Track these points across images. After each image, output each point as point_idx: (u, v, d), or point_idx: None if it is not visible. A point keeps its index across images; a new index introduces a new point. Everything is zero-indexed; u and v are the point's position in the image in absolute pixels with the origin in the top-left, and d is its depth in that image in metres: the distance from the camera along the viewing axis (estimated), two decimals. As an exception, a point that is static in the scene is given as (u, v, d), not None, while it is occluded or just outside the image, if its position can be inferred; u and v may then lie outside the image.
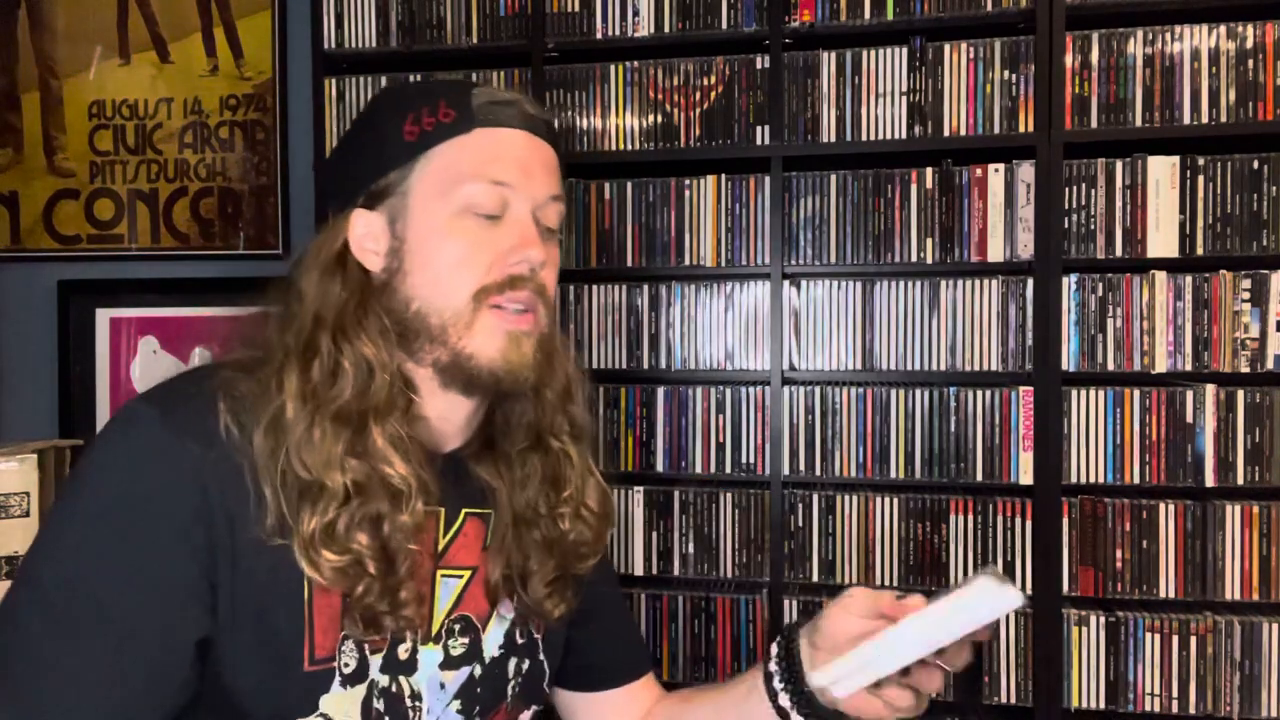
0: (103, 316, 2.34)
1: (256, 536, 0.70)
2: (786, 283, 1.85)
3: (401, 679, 0.78)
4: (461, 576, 0.82)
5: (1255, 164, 1.71)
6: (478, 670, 0.83)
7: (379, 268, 0.79)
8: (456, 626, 0.82)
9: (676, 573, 1.89)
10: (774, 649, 0.81)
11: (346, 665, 0.74)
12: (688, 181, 1.89)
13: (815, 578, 1.84)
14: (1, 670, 0.65)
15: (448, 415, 0.81)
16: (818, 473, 1.84)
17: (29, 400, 2.36)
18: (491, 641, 0.85)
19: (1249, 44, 1.71)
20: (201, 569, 0.69)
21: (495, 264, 0.76)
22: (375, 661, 0.76)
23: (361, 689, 0.75)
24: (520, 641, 0.87)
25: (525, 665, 0.88)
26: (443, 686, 0.81)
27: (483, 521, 0.85)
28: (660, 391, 1.90)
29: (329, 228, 0.81)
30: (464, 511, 0.84)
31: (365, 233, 0.79)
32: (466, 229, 0.76)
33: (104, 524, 0.67)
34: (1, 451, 1.51)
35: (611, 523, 0.91)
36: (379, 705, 0.76)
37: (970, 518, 1.78)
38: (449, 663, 0.81)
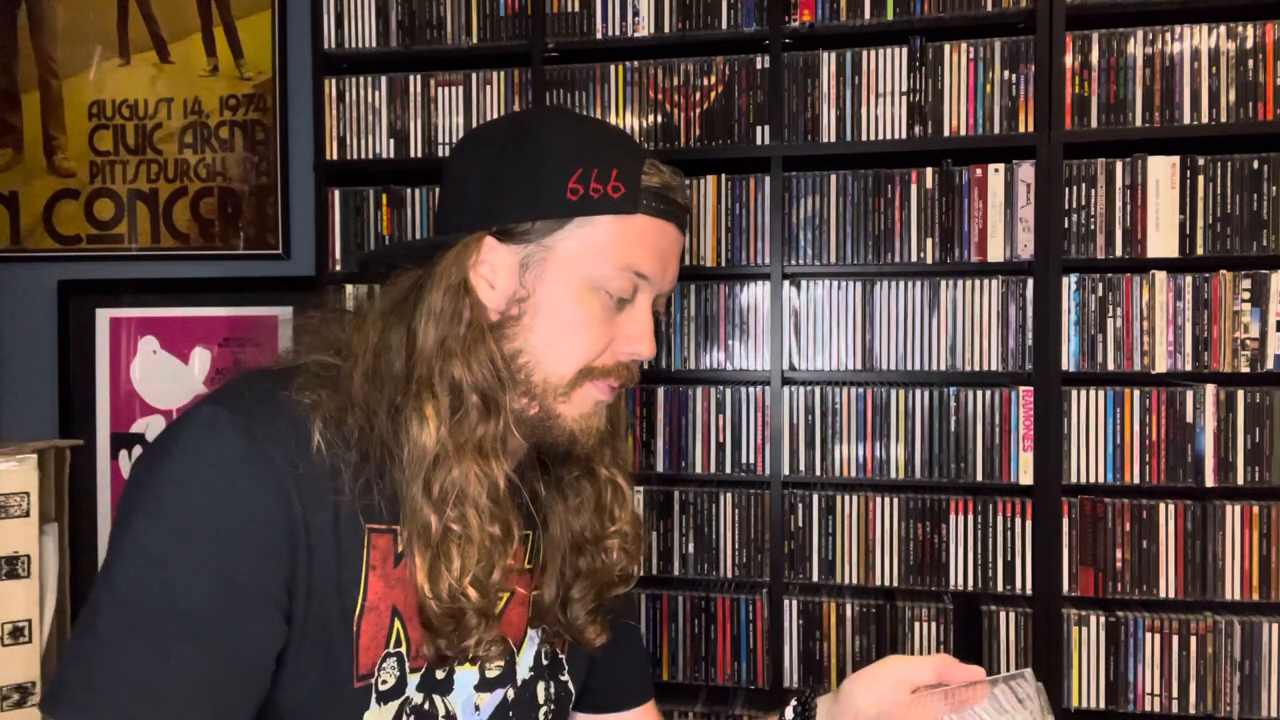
0: (103, 316, 2.34)
1: (328, 560, 0.69)
2: (786, 283, 1.85)
3: (436, 698, 0.77)
4: (502, 598, 0.82)
5: (1255, 164, 1.71)
6: (510, 693, 0.83)
7: (496, 306, 0.76)
8: (494, 648, 0.80)
9: (676, 573, 1.89)
10: (789, 713, 0.81)
11: (384, 682, 0.74)
12: (688, 181, 1.89)
13: (815, 578, 1.84)
14: (88, 684, 0.63)
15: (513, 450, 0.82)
16: (818, 473, 1.84)
17: (29, 400, 2.36)
18: (524, 664, 0.85)
19: (1249, 44, 1.71)
20: (284, 582, 0.68)
21: (610, 349, 0.78)
22: (413, 680, 0.76)
23: (394, 706, 0.75)
24: (545, 663, 0.87)
25: (553, 689, 0.88)
26: (477, 709, 0.80)
27: (524, 543, 0.85)
28: (660, 391, 1.90)
29: (459, 247, 0.77)
30: (521, 530, 0.84)
31: (490, 263, 0.76)
32: (593, 307, 0.76)
33: (191, 535, 0.65)
34: (1, 451, 1.51)
35: (643, 550, 0.93)
36: None
37: (970, 518, 1.79)
38: (484, 684, 0.81)
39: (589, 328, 0.76)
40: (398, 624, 0.74)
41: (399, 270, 0.79)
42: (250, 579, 0.66)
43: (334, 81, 2.00)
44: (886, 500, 1.81)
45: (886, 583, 1.81)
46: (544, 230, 0.75)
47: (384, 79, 1.98)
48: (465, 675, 0.79)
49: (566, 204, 0.75)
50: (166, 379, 2.32)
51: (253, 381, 0.73)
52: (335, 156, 2.00)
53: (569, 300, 0.76)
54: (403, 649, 0.75)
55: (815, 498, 1.84)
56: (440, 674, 0.78)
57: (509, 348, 0.76)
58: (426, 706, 0.77)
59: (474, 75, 1.96)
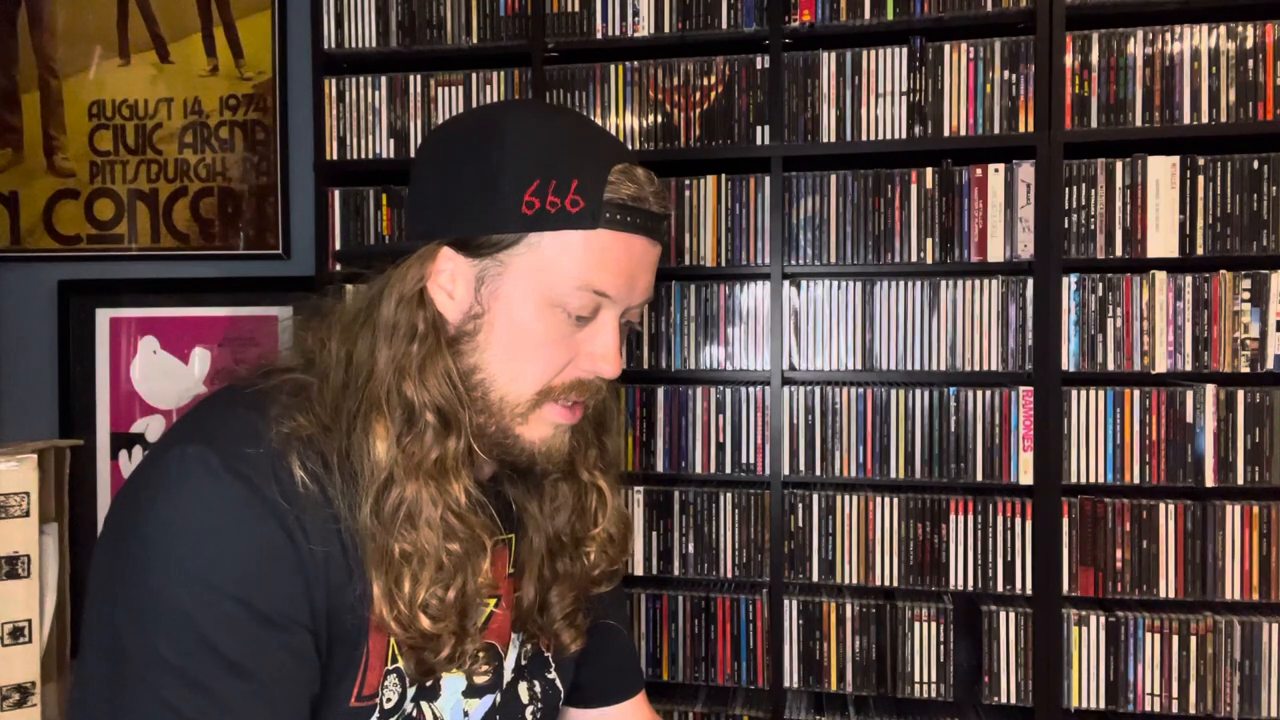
0: (103, 316, 2.34)
1: (338, 584, 0.69)
2: (786, 283, 1.85)
3: (424, 705, 0.77)
4: (488, 605, 0.82)
5: (1255, 164, 1.71)
6: (498, 698, 0.83)
7: (451, 317, 0.75)
8: (481, 654, 0.80)
9: (676, 573, 1.89)
10: None
11: (389, 700, 0.74)
12: (688, 181, 1.89)
13: (815, 578, 1.84)
14: None
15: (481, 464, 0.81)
16: (818, 473, 1.84)
17: (29, 400, 2.36)
18: (508, 667, 0.85)
19: (1249, 44, 1.71)
20: (308, 612, 0.67)
21: (569, 367, 0.75)
22: (411, 692, 0.76)
23: None
24: (525, 663, 0.87)
25: (538, 688, 0.87)
26: (466, 715, 0.80)
27: (506, 547, 0.84)
28: (660, 391, 1.90)
29: (415, 258, 0.74)
30: (493, 539, 0.83)
31: (448, 273, 0.74)
32: (550, 325, 0.73)
33: (214, 583, 0.64)
34: (1, 451, 1.51)
35: (628, 551, 0.91)
36: None
37: (970, 518, 1.79)
38: (472, 690, 0.81)
39: (545, 347, 0.73)
40: (393, 641, 0.74)
41: (371, 271, 0.78)
42: (282, 614, 0.66)
43: (334, 81, 2.00)
44: (886, 500, 1.81)
45: (886, 583, 1.81)
46: (499, 244, 0.72)
47: (384, 79, 1.98)
48: (452, 681, 0.79)
49: (522, 218, 0.71)
50: (166, 379, 2.32)
51: (228, 411, 0.71)
52: (335, 156, 2.00)
53: (525, 318, 0.73)
54: (401, 664, 0.74)
55: (815, 498, 1.84)
56: (428, 681, 0.77)
57: (466, 364, 0.74)
58: (415, 715, 0.76)
59: (474, 75, 1.96)
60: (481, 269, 0.73)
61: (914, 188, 1.81)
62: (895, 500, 1.81)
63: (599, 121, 1.91)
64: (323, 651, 0.69)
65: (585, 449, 0.85)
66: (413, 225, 0.77)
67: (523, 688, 0.86)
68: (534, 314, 0.73)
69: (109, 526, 0.67)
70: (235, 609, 0.64)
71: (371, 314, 0.75)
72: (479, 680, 0.81)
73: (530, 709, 0.86)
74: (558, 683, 0.89)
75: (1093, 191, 1.75)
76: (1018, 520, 1.77)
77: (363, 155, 1.99)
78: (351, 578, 0.70)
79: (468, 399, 0.74)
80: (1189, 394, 1.72)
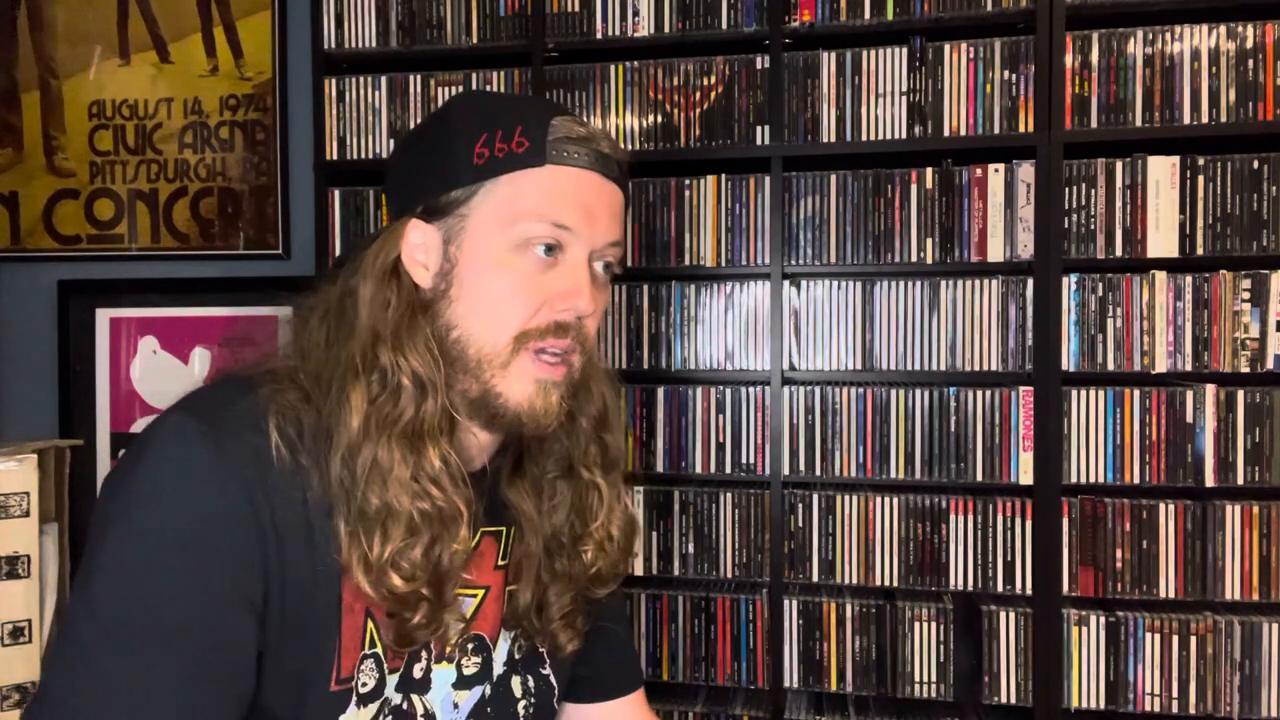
0: (103, 316, 2.34)
1: (300, 559, 0.69)
2: (786, 283, 1.85)
3: (415, 697, 0.77)
4: (476, 595, 0.82)
5: (1255, 164, 1.71)
6: (488, 690, 0.83)
7: (427, 285, 0.77)
8: (470, 645, 0.81)
9: (676, 573, 1.89)
10: None
11: (364, 685, 0.74)
12: (688, 181, 1.89)
13: (815, 578, 1.84)
14: (69, 696, 0.64)
15: (475, 439, 0.80)
16: (818, 473, 1.84)
17: (29, 400, 2.36)
18: (499, 659, 0.84)
19: (1249, 44, 1.71)
20: (259, 586, 0.68)
21: (543, 308, 0.75)
22: (392, 680, 0.76)
23: (374, 708, 0.75)
24: (518, 657, 0.87)
25: (531, 683, 0.87)
26: (455, 706, 0.80)
27: (495, 539, 0.85)
28: (660, 391, 1.90)
29: (385, 234, 0.78)
30: (480, 530, 0.83)
31: (419, 245, 0.77)
32: (519, 267, 0.74)
33: (163, 545, 0.65)
34: (1, 451, 1.51)
35: (633, 552, 0.90)
36: None
37: (970, 518, 1.78)
38: (461, 682, 0.81)
39: (515, 290, 0.74)
40: (371, 625, 0.74)
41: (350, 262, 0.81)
42: (224, 585, 0.66)
43: (334, 81, 2.00)
44: (886, 500, 1.81)
45: (886, 583, 1.81)
46: (460, 201, 0.75)
47: (384, 79, 1.98)
48: (442, 674, 0.79)
49: (474, 169, 0.75)
50: (166, 379, 2.31)
51: (219, 387, 0.74)
52: (335, 156, 2.00)
53: (490, 265, 0.74)
54: (379, 650, 0.75)
55: (815, 498, 1.84)
56: (418, 673, 0.77)
57: (442, 324, 0.75)
58: (405, 706, 0.76)
59: (474, 75, 1.96)
60: (447, 229, 0.76)
61: (914, 188, 1.81)
62: (895, 500, 1.81)
63: (599, 121, 1.91)
64: (282, 626, 0.69)
65: (585, 446, 0.85)
66: (389, 213, 0.81)
67: (515, 681, 0.86)
68: (499, 258, 0.74)
69: (99, 494, 0.70)
70: (177, 572, 0.65)
71: (349, 294, 0.77)
72: (467, 671, 0.81)
73: (523, 703, 0.86)
74: (552, 679, 0.89)
75: (1093, 191, 1.75)
76: (1018, 520, 1.77)
77: (363, 155, 1.99)
78: (315, 553, 0.70)
79: (447, 364, 0.75)
80: (1189, 394, 1.72)
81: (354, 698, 0.73)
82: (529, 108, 0.78)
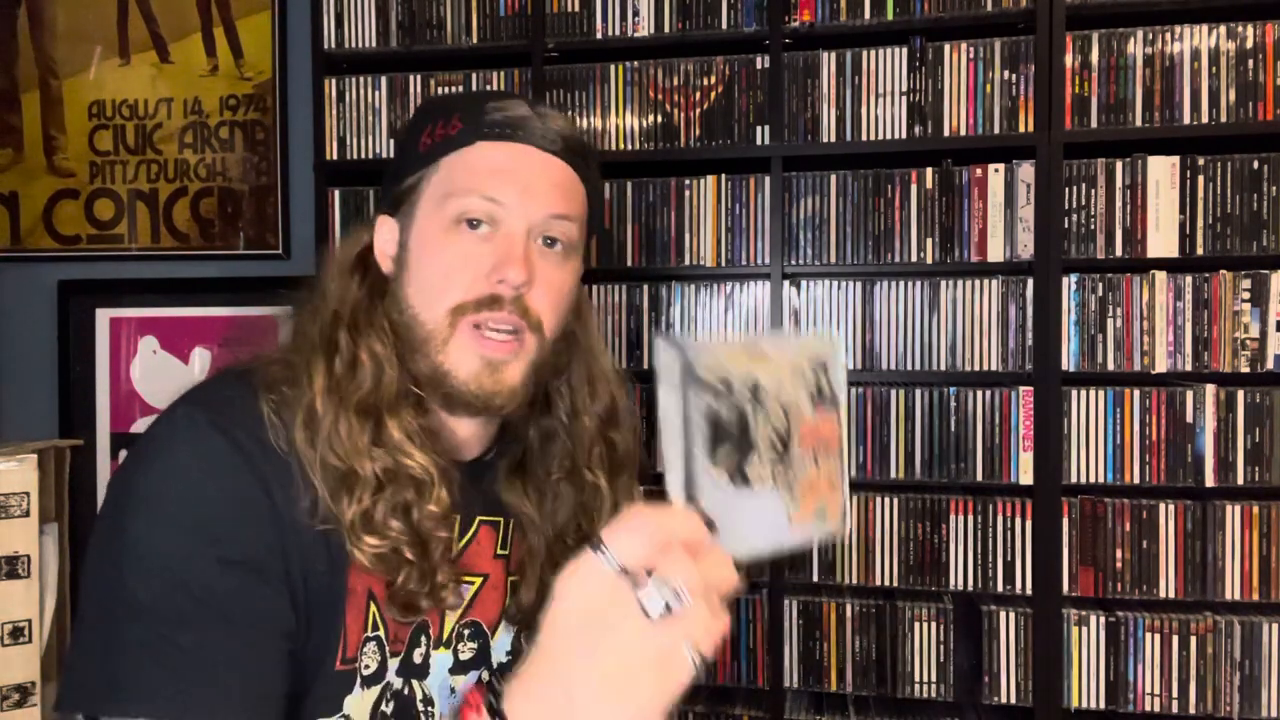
0: (103, 316, 2.34)
1: (306, 538, 0.70)
2: (786, 283, 1.85)
3: (415, 682, 0.78)
4: (474, 583, 0.82)
5: (1255, 164, 1.71)
6: (485, 676, 0.84)
7: (389, 271, 0.81)
8: (466, 631, 0.82)
9: (676, 573, 1.89)
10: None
11: (367, 667, 0.75)
12: (688, 181, 1.89)
13: (815, 578, 1.84)
14: (129, 686, 0.63)
15: (452, 425, 0.81)
16: (818, 473, 1.84)
17: (29, 400, 2.36)
18: (500, 647, 0.85)
19: (1249, 44, 1.71)
20: (280, 566, 0.69)
21: (476, 281, 0.75)
22: (393, 664, 0.77)
23: (376, 691, 0.75)
24: (523, 646, 0.87)
25: None
26: (453, 691, 0.81)
27: (494, 529, 0.85)
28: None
29: (353, 233, 0.84)
30: (478, 519, 0.84)
31: (386, 237, 0.81)
32: (454, 243, 0.76)
33: (192, 526, 0.66)
34: (1, 451, 1.51)
35: None
36: (386, 709, 0.76)
37: (970, 518, 1.78)
38: (458, 667, 0.81)
39: (449, 265, 0.76)
40: (374, 607, 0.75)
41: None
42: (258, 558, 0.68)
43: (334, 81, 2.00)
44: (886, 500, 1.81)
45: (886, 583, 1.81)
46: (410, 189, 0.79)
47: (384, 79, 1.98)
48: (440, 658, 0.80)
49: (419, 158, 0.79)
50: (166, 379, 2.31)
51: (218, 383, 0.76)
52: (335, 156, 2.00)
53: (430, 244, 0.77)
54: (380, 633, 0.75)
55: (815, 498, 1.83)
56: (418, 658, 0.78)
57: (397, 304, 0.78)
58: (405, 691, 0.77)
59: (474, 75, 1.96)
60: (402, 217, 0.80)
61: (914, 188, 1.81)
62: (895, 500, 1.81)
63: (599, 121, 1.91)
64: (300, 606, 0.70)
65: (590, 446, 0.85)
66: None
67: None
68: (437, 237, 0.77)
69: (106, 492, 0.71)
70: (209, 552, 0.66)
71: (319, 286, 0.82)
72: (464, 657, 0.82)
73: None
74: None
75: (1093, 191, 1.75)
76: (1018, 520, 1.77)
77: (363, 155, 1.99)
78: (327, 537, 0.71)
79: (402, 343, 0.78)
80: (1189, 394, 1.72)
81: (359, 679, 0.74)
82: (473, 97, 0.81)
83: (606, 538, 0.50)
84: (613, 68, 1.90)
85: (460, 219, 0.76)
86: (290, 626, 0.69)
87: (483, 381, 0.76)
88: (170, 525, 0.66)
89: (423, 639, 0.78)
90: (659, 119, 1.89)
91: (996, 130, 1.77)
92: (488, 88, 1.95)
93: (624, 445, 0.88)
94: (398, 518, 0.72)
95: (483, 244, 0.76)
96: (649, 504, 0.52)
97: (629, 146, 1.90)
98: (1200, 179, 1.72)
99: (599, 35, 1.89)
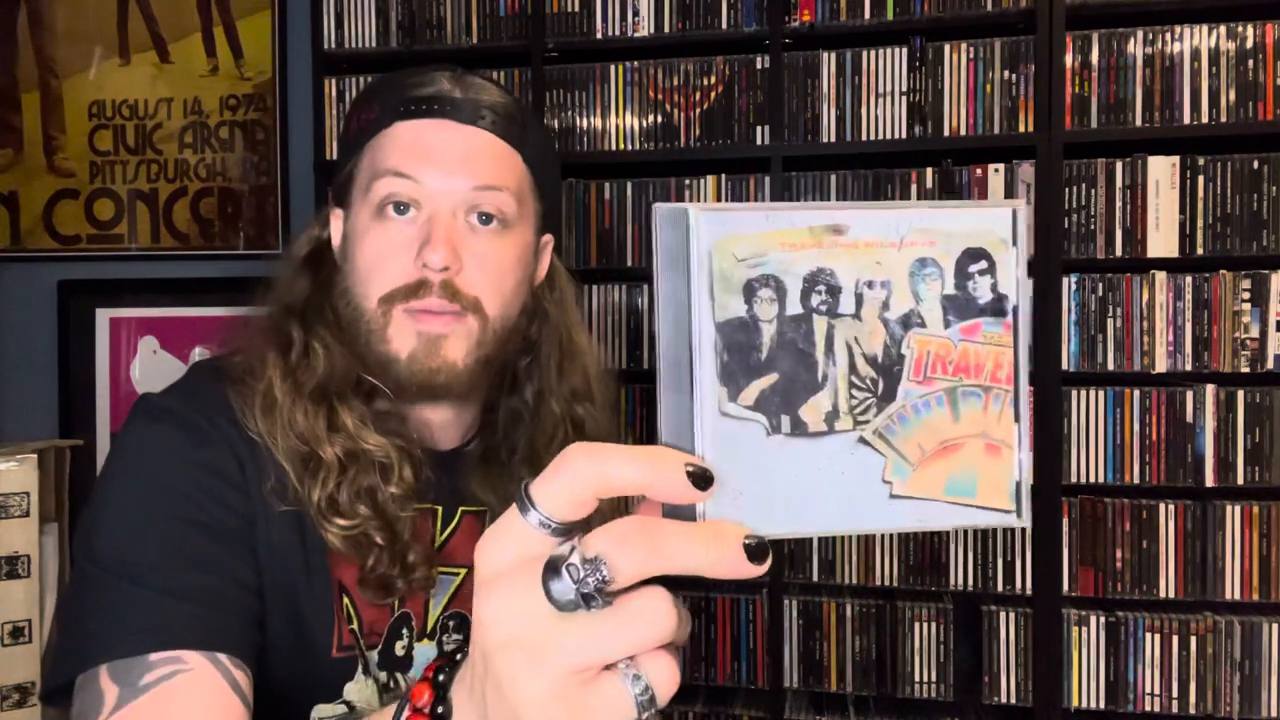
0: (103, 316, 2.33)
1: (284, 525, 0.72)
2: (786, 283, 1.85)
3: (399, 676, 0.78)
4: (457, 574, 0.82)
5: (1255, 164, 1.71)
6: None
7: (338, 261, 0.82)
8: (451, 623, 0.82)
9: (676, 573, 1.89)
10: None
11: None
12: (688, 181, 1.89)
13: (815, 578, 1.84)
14: (96, 641, 0.63)
15: (420, 413, 0.81)
16: (818, 473, 1.84)
17: (29, 400, 2.36)
18: None
19: (1249, 44, 1.71)
20: (249, 532, 0.71)
21: (404, 268, 0.74)
22: (373, 657, 0.77)
23: (372, 680, 0.76)
24: None
25: None
26: None
27: (478, 519, 0.85)
28: (660, 391, 1.90)
29: (309, 226, 0.85)
30: (461, 510, 0.83)
31: (335, 229, 0.82)
32: (379, 230, 0.75)
33: (155, 493, 0.68)
34: (1, 451, 1.51)
35: None
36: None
37: (970, 518, 1.78)
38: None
39: (376, 253, 0.75)
40: (346, 600, 0.75)
41: None
42: (227, 524, 0.69)
43: (334, 81, 2.00)
44: (886, 500, 1.81)
45: (886, 583, 1.81)
46: (345, 180, 0.80)
47: (384, 79, 1.98)
48: (424, 650, 0.80)
49: (347, 146, 0.80)
50: (166, 379, 2.30)
51: (188, 378, 0.79)
52: (335, 157, 2.00)
53: (361, 232, 0.76)
54: (355, 625, 0.76)
55: (815, 498, 1.83)
56: (400, 650, 0.78)
57: (340, 294, 0.79)
58: (391, 685, 0.77)
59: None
60: (346, 207, 0.80)
61: (914, 188, 1.81)
62: (895, 500, 1.81)
63: (599, 121, 1.91)
64: (280, 587, 0.71)
65: (553, 432, 0.84)
66: None
67: None
68: (366, 225, 0.76)
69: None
70: (176, 512, 0.68)
71: (273, 283, 0.84)
72: (449, 649, 0.81)
73: None
74: None
75: (1093, 191, 1.75)
76: (1018, 520, 1.77)
77: (363, 155, 1.99)
78: (303, 525, 0.72)
79: (347, 332, 0.78)
80: (1189, 394, 1.72)
81: (358, 666, 0.75)
82: (395, 77, 0.80)
83: (532, 488, 0.35)
84: (613, 68, 1.90)
85: (385, 204, 0.75)
86: (257, 587, 0.70)
87: (422, 360, 0.74)
88: (138, 491, 0.68)
89: (404, 631, 0.78)
90: (659, 119, 1.89)
91: (996, 130, 1.77)
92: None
93: (595, 425, 0.86)
94: (363, 501, 0.73)
95: (408, 228, 0.74)
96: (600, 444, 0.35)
97: (629, 146, 1.90)
98: (1200, 179, 1.72)
99: (599, 35, 1.89)
